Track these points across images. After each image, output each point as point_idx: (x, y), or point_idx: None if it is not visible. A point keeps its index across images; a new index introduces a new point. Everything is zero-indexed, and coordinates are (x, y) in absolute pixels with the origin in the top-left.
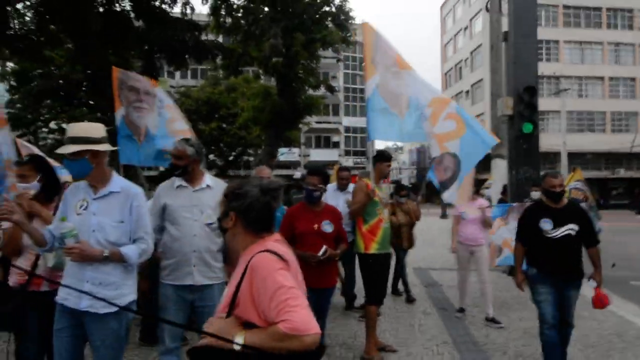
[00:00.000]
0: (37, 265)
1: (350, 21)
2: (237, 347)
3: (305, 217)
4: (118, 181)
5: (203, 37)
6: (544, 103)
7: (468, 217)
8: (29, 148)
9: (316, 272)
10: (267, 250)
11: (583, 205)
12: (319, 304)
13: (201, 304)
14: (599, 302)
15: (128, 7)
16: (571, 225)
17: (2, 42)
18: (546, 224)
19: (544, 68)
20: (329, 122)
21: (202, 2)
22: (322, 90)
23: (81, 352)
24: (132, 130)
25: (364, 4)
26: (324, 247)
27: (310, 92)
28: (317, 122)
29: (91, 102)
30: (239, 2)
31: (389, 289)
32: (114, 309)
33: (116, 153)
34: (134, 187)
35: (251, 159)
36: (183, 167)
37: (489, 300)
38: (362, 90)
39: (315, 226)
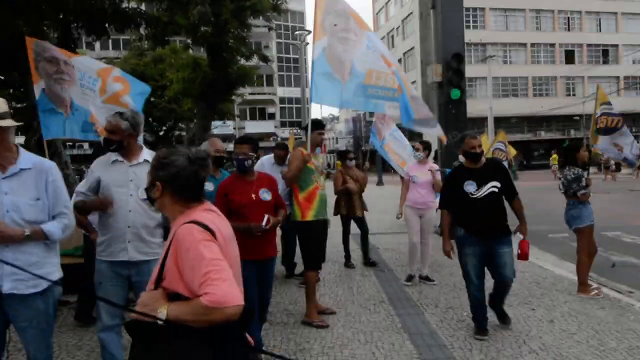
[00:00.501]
0: None
1: None
2: (161, 318)
3: (240, 188)
4: (28, 157)
5: (125, 5)
6: (472, 70)
7: (419, 181)
8: None
9: (259, 242)
10: (193, 221)
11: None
12: (265, 274)
13: (138, 279)
14: (524, 254)
15: None
16: (493, 183)
17: None
18: (470, 186)
19: (471, 35)
20: (264, 93)
21: None
22: (255, 61)
23: (2, 336)
24: (55, 102)
25: None
26: (266, 216)
27: (243, 62)
28: (251, 94)
29: (1, 78)
30: None
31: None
32: (40, 288)
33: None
34: (46, 162)
35: (183, 133)
36: (118, 142)
37: (427, 261)
38: (296, 60)
39: (253, 196)
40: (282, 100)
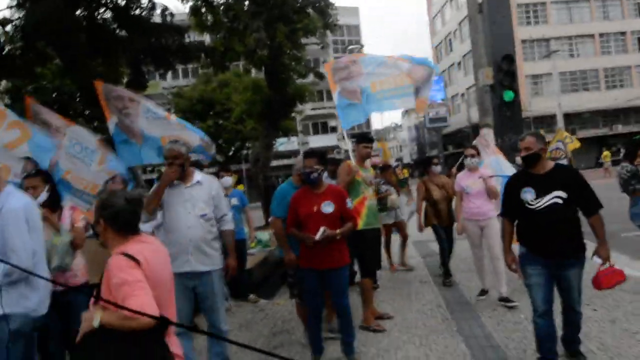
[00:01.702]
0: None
1: (331, 7)
2: (95, 325)
3: (306, 200)
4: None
5: (187, 37)
6: (536, 67)
7: (472, 191)
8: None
9: (318, 253)
10: (122, 253)
11: (563, 162)
12: (331, 283)
13: (201, 289)
14: (600, 282)
15: (109, 18)
16: (557, 193)
17: None
18: (528, 194)
19: (533, 32)
20: (324, 107)
21: (182, 2)
22: (311, 78)
23: None
24: (128, 134)
25: None
26: (322, 228)
27: (300, 80)
28: (313, 109)
29: (86, 113)
30: (219, 0)
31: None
32: None
33: None
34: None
35: (249, 152)
36: (181, 165)
37: (502, 278)
38: None
39: (315, 208)
40: None
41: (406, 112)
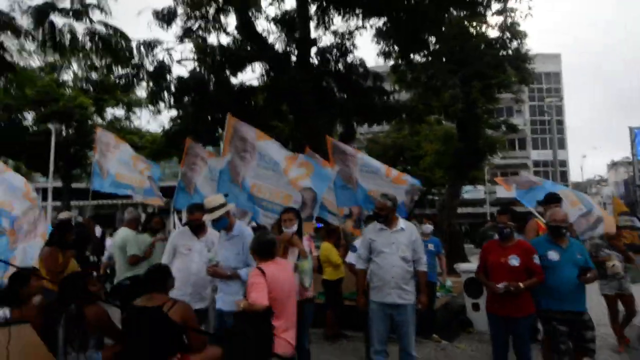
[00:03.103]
0: None
1: (528, 61)
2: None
3: (495, 251)
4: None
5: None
6: None
7: None
8: None
9: (506, 300)
10: (257, 267)
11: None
12: (514, 331)
13: (398, 318)
14: None
15: (332, 84)
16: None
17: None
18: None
19: None
20: (516, 157)
21: (385, 60)
22: (504, 129)
23: None
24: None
25: (550, 27)
26: (504, 283)
27: (492, 131)
28: (503, 158)
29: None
30: (418, 59)
31: None
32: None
33: None
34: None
35: (436, 198)
36: (384, 216)
37: None
38: (549, 122)
39: (502, 259)
40: (536, 163)
41: (613, 165)
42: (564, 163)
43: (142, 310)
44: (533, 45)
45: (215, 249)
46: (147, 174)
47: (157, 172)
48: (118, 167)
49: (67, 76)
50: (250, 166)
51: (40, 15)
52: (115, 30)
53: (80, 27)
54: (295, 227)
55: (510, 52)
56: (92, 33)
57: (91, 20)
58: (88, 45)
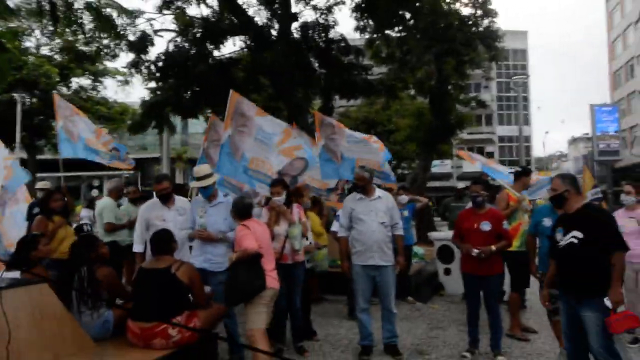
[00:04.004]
0: (284, 247)
1: (499, 40)
2: (234, 259)
3: (469, 218)
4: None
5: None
6: None
7: (625, 231)
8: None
9: (478, 261)
10: (242, 225)
11: None
12: (485, 288)
13: (379, 279)
14: (611, 327)
15: (313, 59)
16: (574, 233)
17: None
18: (558, 233)
19: None
20: (482, 133)
21: (360, 34)
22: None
23: None
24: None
25: (517, 4)
26: (477, 250)
27: (462, 107)
28: (470, 133)
29: None
30: (394, 35)
31: None
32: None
33: None
34: None
35: (406, 171)
36: (361, 187)
37: None
38: (516, 99)
39: (475, 225)
40: (501, 139)
41: (573, 141)
42: (527, 139)
43: (152, 272)
44: (501, 20)
45: (205, 215)
46: (111, 147)
47: (122, 147)
48: (86, 132)
49: (29, 42)
50: (248, 141)
51: None
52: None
53: None
54: (283, 197)
55: (481, 29)
56: (90, 7)
57: None
58: (86, 18)
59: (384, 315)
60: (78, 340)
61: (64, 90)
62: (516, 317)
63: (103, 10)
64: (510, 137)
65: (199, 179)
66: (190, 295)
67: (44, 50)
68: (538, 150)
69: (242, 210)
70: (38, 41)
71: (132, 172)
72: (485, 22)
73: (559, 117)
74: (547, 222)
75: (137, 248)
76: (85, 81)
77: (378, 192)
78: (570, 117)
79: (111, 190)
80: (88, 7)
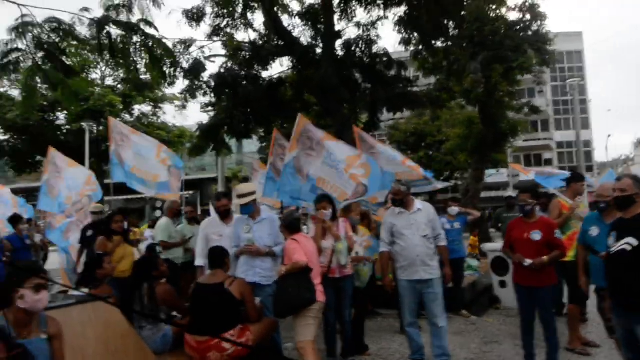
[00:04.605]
0: (332, 261)
1: (549, 43)
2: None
3: (519, 227)
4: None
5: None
6: None
7: None
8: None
9: (530, 273)
10: (291, 239)
11: None
12: (537, 300)
13: (427, 292)
14: None
15: (357, 75)
16: (628, 240)
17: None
18: (610, 238)
19: None
20: (538, 139)
21: (405, 48)
22: (525, 111)
23: None
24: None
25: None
26: (529, 261)
27: (514, 114)
28: (525, 140)
29: None
30: (439, 45)
31: None
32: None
33: None
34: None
35: (459, 182)
36: (399, 200)
37: None
38: (572, 102)
39: (525, 235)
40: (559, 144)
41: (639, 143)
42: (588, 143)
43: (207, 287)
44: (553, 23)
45: (251, 231)
46: (169, 164)
47: (179, 161)
48: (134, 159)
49: (94, 74)
50: (316, 163)
51: (99, 25)
52: (159, 42)
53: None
54: (329, 212)
55: (530, 33)
56: (143, 46)
57: (145, 35)
58: (139, 58)
59: (433, 330)
60: (140, 354)
61: (127, 117)
62: (576, 330)
63: (155, 51)
64: (570, 142)
65: (240, 196)
66: (242, 309)
67: (108, 81)
68: (600, 154)
69: (291, 225)
70: (102, 72)
71: (191, 192)
72: (534, 26)
73: (624, 119)
74: (595, 231)
75: (199, 262)
76: (146, 108)
77: (418, 204)
78: (636, 119)
79: (167, 210)
80: (144, 45)
